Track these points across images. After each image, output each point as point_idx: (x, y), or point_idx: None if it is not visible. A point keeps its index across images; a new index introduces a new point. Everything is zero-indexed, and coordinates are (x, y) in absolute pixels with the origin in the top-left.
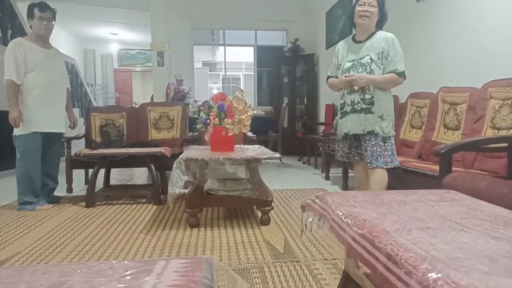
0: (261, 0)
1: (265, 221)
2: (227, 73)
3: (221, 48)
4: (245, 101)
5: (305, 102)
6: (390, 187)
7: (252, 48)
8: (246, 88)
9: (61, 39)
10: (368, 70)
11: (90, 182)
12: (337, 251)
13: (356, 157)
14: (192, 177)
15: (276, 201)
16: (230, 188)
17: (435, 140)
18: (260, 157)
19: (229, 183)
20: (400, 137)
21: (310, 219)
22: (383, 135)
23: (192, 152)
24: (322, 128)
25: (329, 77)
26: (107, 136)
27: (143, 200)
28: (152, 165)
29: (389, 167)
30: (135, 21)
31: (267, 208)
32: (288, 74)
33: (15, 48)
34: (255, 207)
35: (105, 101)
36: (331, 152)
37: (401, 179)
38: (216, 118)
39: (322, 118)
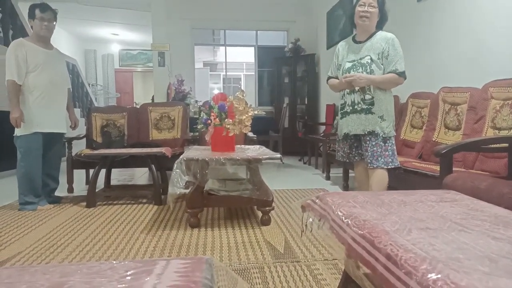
0: (262, 0)
1: (265, 221)
2: (228, 73)
3: (222, 48)
4: (245, 101)
5: (306, 102)
6: (390, 187)
7: (253, 48)
8: (247, 88)
9: (62, 39)
10: (368, 70)
11: (91, 182)
12: (337, 251)
13: (356, 158)
14: (192, 177)
15: (276, 201)
16: (231, 188)
17: (436, 140)
18: (260, 157)
19: (229, 183)
20: (401, 137)
21: (311, 220)
22: (383, 136)
23: (192, 152)
24: (322, 128)
25: (329, 77)
26: (108, 136)
27: (144, 200)
28: (153, 165)
29: (389, 167)
30: (136, 22)
31: (267, 208)
32: (289, 74)
33: (16, 49)
34: (255, 207)
35: (106, 101)
36: (331, 152)
37: (401, 179)
38: (217, 119)
39: (322, 118)
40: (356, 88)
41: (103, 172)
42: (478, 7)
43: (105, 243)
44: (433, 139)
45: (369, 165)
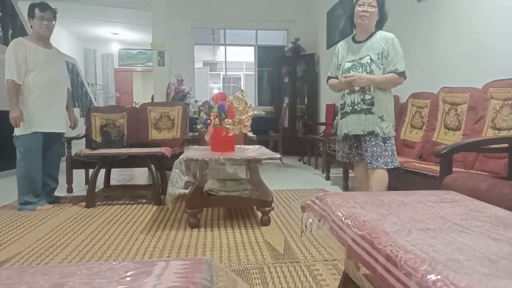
0: (261, 0)
1: (265, 222)
2: (227, 73)
3: (222, 48)
4: (245, 101)
5: (306, 102)
6: (390, 187)
7: (252, 48)
8: (247, 88)
9: (62, 38)
10: (368, 70)
11: (90, 182)
12: (337, 252)
13: (356, 158)
14: (192, 177)
15: (276, 201)
16: (230, 189)
17: (436, 141)
18: (260, 157)
19: (229, 183)
20: (401, 138)
21: (310, 220)
22: (383, 136)
23: (192, 152)
24: (322, 128)
25: (329, 77)
26: (108, 136)
27: (144, 201)
28: (152, 165)
29: (389, 167)
30: (136, 21)
31: (267, 208)
32: (288, 74)
33: (16, 48)
34: (255, 207)
35: (105, 101)
36: (331, 152)
37: (401, 179)
38: (217, 118)
39: (322, 118)
40: (356, 88)
41: (102, 172)
42: (478, 7)
43: (105, 243)
44: (433, 139)
45: (369, 165)
